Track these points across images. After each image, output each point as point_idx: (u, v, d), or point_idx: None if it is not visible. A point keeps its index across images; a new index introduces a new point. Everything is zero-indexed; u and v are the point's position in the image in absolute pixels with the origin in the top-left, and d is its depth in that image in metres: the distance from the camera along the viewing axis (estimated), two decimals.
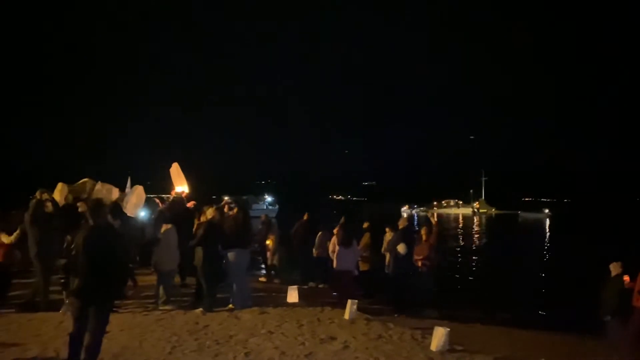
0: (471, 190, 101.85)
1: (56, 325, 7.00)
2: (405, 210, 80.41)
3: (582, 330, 9.51)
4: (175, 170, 11.81)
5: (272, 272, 13.40)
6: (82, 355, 4.95)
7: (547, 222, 67.36)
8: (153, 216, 10.62)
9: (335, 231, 11.46)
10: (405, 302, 10.37)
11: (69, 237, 5.11)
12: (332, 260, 11.05)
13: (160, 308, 8.50)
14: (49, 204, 8.32)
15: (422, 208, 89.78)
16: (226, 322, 7.61)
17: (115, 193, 10.63)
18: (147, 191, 11.21)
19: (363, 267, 11.26)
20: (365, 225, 12.38)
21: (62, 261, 5.03)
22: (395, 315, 9.52)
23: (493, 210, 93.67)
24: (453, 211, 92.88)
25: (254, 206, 60.14)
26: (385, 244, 11.31)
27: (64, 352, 5.26)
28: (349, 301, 8.33)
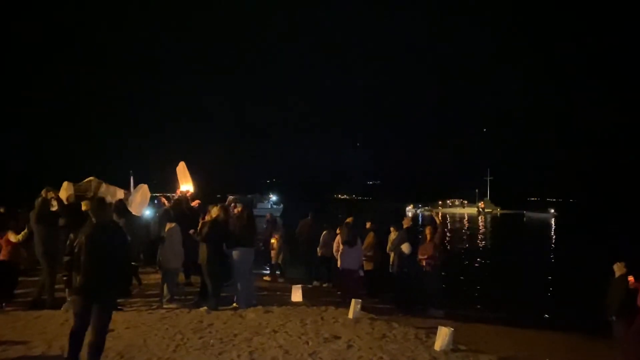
0: (476, 190, 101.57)
1: (62, 323, 7.03)
2: (409, 210, 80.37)
3: (587, 330, 9.50)
4: (181, 169, 11.85)
5: (277, 271, 13.43)
6: (87, 352, 4.99)
7: (553, 222, 67.13)
8: (158, 215, 10.67)
9: (338, 230, 11.47)
10: (409, 301, 10.38)
11: (71, 235, 5.14)
12: (336, 260, 11.06)
13: (165, 306, 8.53)
14: (55, 203, 8.36)
15: (426, 207, 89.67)
16: (230, 321, 7.63)
17: (120, 194, 10.67)
18: (152, 190, 11.25)
19: (367, 266, 11.26)
20: (369, 224, 12.38)
21: (66, 259, 5.07)
22: (399, 314, 9.52)
23: (498, 210, 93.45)
24: (458, 211, 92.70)
25: (259, 205, 60.26)
26: (389, 244, 11.31)
27: None
28: (353, 300, 8.33)
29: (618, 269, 7.99)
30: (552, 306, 12.99)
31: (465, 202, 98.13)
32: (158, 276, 9.62)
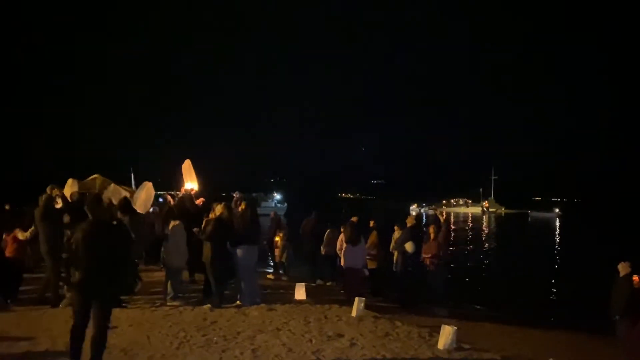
0: (480, 189, 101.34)
1: (66, 320, 7.02)
2: (414, 209, 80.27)
3: (591, 329, 9.47)
4: (187, 167, 11.86)
5: (280, 269, 13.44)
6: (90, 348, 5.01)
7: (558, 221, 66.92)
8: (162, 213, 10.70)
9: (342, 229, 11.46)
10: (412, 300, 10.37)
11: (68, 232, 5.17)
12: (340, 258, 11.06)
13: (169, 304, 8.55)
14: (59, 200, 8.39)
15: (430, 207, 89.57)
16: (234, 319, 7.63)
17: (124, 193, 10.70)
18: (156, 188, 11.27)
19: (370, 265, 11.26)
20: (372, 223, 12.38)
21: (64, 256, 5.12)
22: (403, 313, 9.51)
23: (503, 210, 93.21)
24: (462, 210, 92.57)
25: (263, 204, 60.36)
26: (393, 242, 11.30)
27: None
28: (357, 298, 8.33)
29: (623, 268, 7.95)
30: (555, 306, 12.96)
31: (470, 201, 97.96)
32: (162, 274, 9.64)
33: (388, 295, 11.31)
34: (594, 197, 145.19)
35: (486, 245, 35.03)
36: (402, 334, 7.16)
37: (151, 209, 11.18)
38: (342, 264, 10.61)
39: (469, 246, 32.10)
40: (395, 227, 11.59)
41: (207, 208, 10.13)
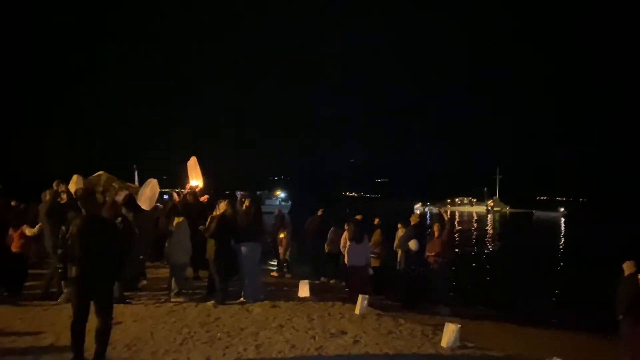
0: (485, 188, 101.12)
1: (70, 316, 7.03)
2: (418, 208, 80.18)
3: (595, 329, 9.44)
4: (192, 163, 11.87)
5: (284, 266, 13.44)
6: (94, 342, 5.03)
7: (562, 221, 66.70)
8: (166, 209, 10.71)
9: (346, 227, 11.45)
10: (416, 298, 10.35)
11: (63, 228, 5.21)
12: (343, 256, 11.05)
13: (173, 300, 8.57)
14: (64, 196, 8.41)
15: (435, 205, 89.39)
16: (237, 315, 7.66)
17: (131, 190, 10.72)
18: (161, 185, 11.28)
19: (374, 263, 11.24)
20: (377, 221, 12.36)
21: (59, 251, 5.16)
22: (406, 311, 9.50)
23: (507, 209, 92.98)
24: (467, 209, 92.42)
25: (267, 202, 60.48)
26: (396, 241, 11.28)
27: None
28: (360, 296, 8.33)
29: (627, 267, 7.91)
30: (559, 305, 12.92)
31: (474, 200, 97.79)
32: (167, 270, 9.66)
33: (391, 293, 11.30)
34: (599, 196, 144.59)
35: (490, 244, 34.94)
36: (405, 332, 7.16)
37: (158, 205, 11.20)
38: (346, 261, 10.61)
39: (474, 248, 32.04)
40: (399, 225, 11.57)
41: (211, 205, 10.15)
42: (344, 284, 11.50)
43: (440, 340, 6.65)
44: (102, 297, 5.14)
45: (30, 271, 9.35)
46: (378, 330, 7.15)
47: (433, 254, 10.14)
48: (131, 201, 9.06)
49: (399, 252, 11.23)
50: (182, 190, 11.95)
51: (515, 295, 14.12)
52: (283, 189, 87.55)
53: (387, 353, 6.13)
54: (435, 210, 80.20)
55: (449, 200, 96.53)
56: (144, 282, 10.05)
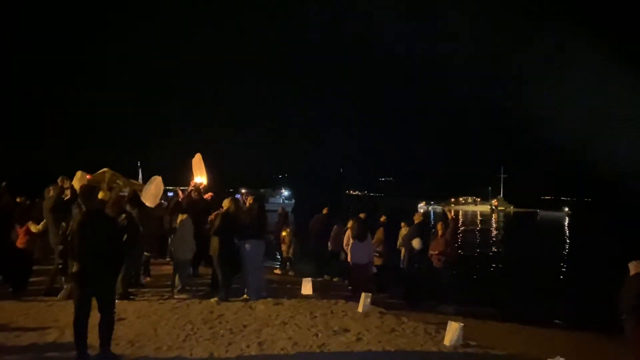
0: (489, 188, 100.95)
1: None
2: (422, 207, 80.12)
3: (598, 328, 9.41)
4: (197, 160, 11.89)
5: (287, 264, 13.47)
6: (98, 338, 5.05)
7: (567, 220, 66.51)
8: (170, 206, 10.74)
9: (349, 225, 11.46)
10: (419, 296, 10.34)
11: (63, 224, 5.23)
12: (346, 254, 11.06)
13: (176, 297, 8.60)
14: (68, 192, 8.44)
15: (439, 204, 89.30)
16: (240, 312, 7.67)
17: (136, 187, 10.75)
18: (166, 183, 11.30)
19: (377, 261, 11.25)
20: (383, 218, 12.36)
21: (59, 247, 5.19)
22: (409, 309, 9.49)
23: (511, 208, 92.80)
24: (471, 208, 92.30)
25: (271, 200, 60.54)
26: (400, 239, 11.27)
27: None
28: (363, 294, 8.33)
29: (633, 267, 7.87)
30: (563, 304, 12.89)
31: (478, 199, 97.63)
32: (171, 267, 9.69)
33: (394, 291, 11.30)
34: (603, 196, 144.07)
35: (494, 244, 34.87)
36: (408, 330, 7.16)
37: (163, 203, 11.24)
38: (349, 259, 10.62)
39: (477, 243, 31.99)
40: (402, 224, 11.57)
41: (215, 203, 10.17)
42: (346, 281, 11.51)
43: (443, 338, 6.65)
44: (104, 293, 5.15)
45: (34, 267, 9.39)
46: (381, 328, 7.15)
47: (436, 252, 10.12)
48: (135, 198, 9.10)
49: (403, 250, 11.23)
50: (186, 188, 11.96)
51: (518, 295, 14.08)
52: (287, 187, 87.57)
53: (390, 351, 6.13)
54: (439, 209, 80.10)
55: (452, 199, 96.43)
56: (148, 278, 10.08)
